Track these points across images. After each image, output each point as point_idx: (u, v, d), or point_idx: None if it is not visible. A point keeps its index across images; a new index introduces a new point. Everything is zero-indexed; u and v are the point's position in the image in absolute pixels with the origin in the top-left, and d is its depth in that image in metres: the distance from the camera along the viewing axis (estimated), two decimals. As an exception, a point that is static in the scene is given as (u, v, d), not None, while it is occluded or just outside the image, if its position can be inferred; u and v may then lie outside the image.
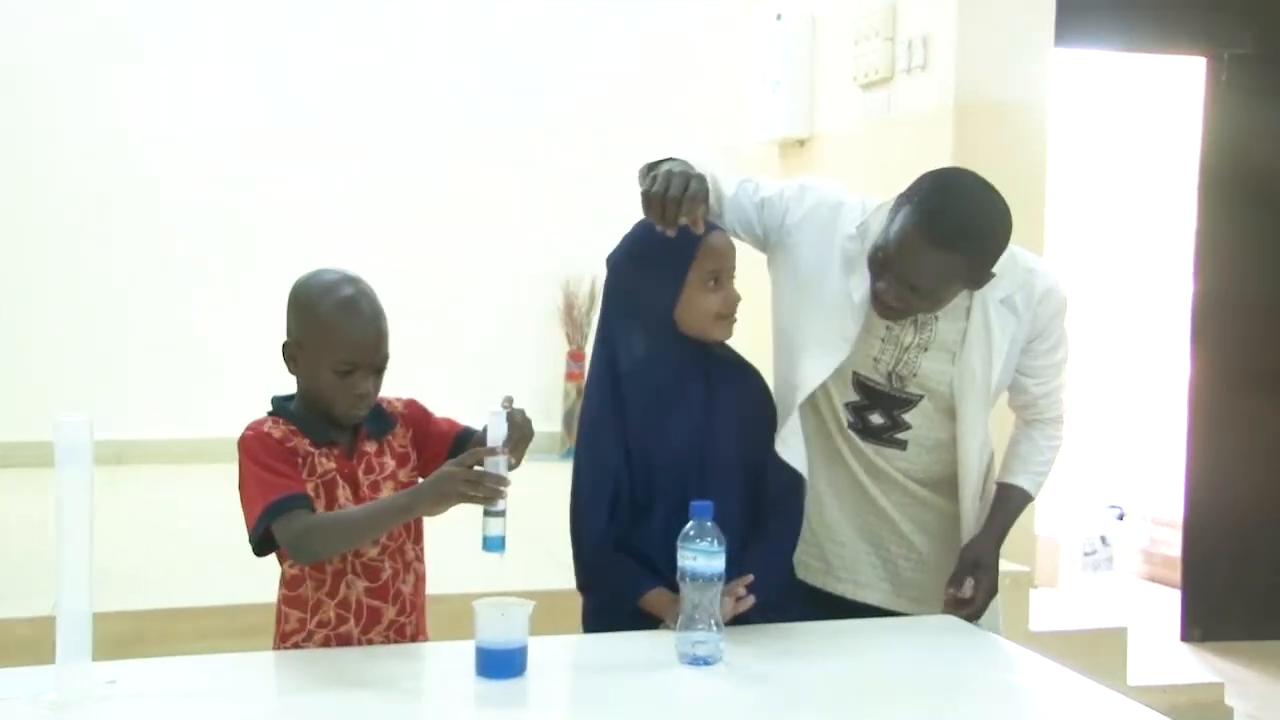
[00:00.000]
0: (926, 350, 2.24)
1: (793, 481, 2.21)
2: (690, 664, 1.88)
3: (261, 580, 2.00)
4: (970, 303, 2.20)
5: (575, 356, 5.88)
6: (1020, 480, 2.37)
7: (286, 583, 1.99)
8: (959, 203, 2.05)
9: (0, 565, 3.43)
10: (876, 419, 2.30)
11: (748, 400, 2.22)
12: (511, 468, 1.88)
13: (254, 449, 1.94)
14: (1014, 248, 2.17)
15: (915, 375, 2.25)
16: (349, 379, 1.94)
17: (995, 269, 2.11)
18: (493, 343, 5.84)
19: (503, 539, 1.88)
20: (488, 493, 1.81)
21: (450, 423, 2.12)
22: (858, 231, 2.20)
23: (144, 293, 5.52)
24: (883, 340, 2.24)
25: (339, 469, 1.98)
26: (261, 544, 1.93)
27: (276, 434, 1.96)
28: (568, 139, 5.96)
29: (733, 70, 5.93)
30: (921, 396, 2.27)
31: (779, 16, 5.49)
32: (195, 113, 5.59)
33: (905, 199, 2.09)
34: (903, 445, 2.31)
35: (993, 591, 2.28)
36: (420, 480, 2.01)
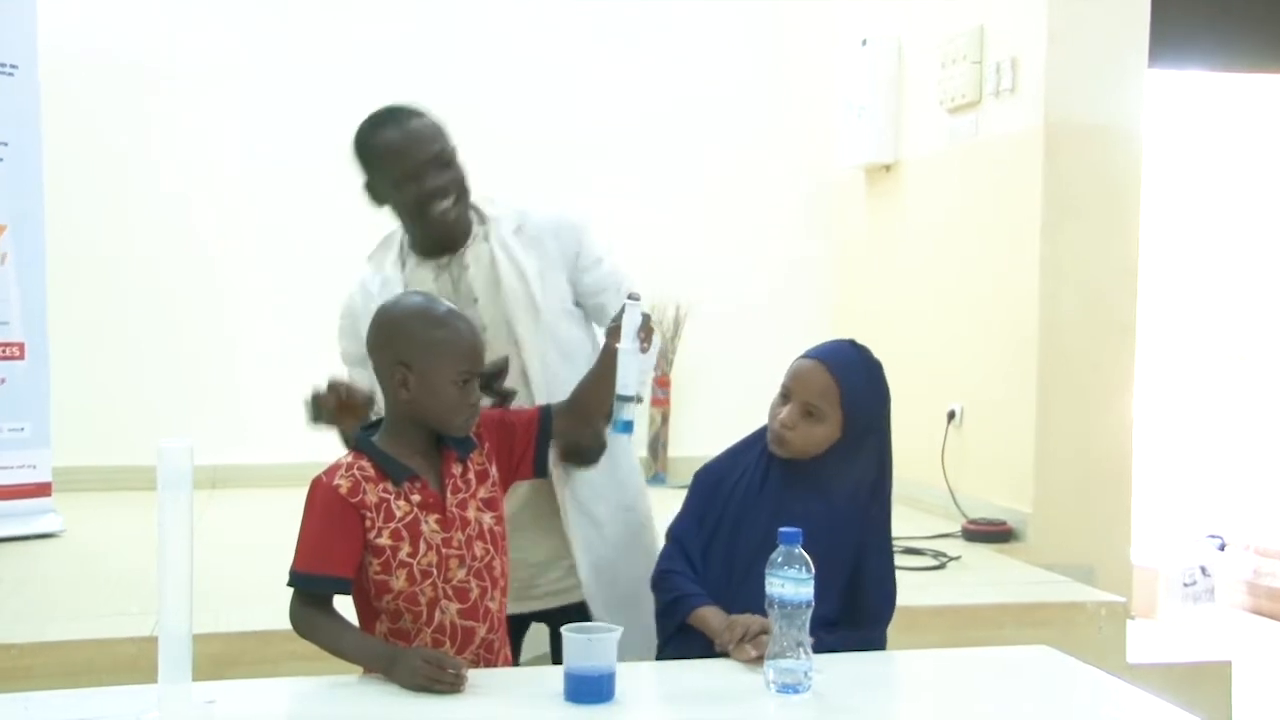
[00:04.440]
0: (477, 301, 2.39)
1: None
2: (780, 692, 1.87)
3: (352, 607, 2.03)
4: (490, 245, 2.41)
5: (660, 383, 5.89)
6: None
7: (389, 615, 1.99)
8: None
9: (105, 586, 3.52)
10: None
11: (825, 498, 2.20)
12: (643, 351, 2.09)
13: (316, 503, 1.96)
14: (513, 204, 2.50)
15: (485, 329, 2.32)
16: (466, 388, 1.99)
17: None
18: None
19: (632, 423, 2.09)
20: (447, 688, 1.83)
21: (522, 410, 2.20)
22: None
23: (238, 320, 5.63)
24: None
25: (423, 501, 1.98)
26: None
27: (346, 486, 1.95)
28: (653, 165, 5.98)
29: (819, 95, 5.92)
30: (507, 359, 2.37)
31: (865, 41, 5.47)
32: (289, 141, 5.70)
33: None
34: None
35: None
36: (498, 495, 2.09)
